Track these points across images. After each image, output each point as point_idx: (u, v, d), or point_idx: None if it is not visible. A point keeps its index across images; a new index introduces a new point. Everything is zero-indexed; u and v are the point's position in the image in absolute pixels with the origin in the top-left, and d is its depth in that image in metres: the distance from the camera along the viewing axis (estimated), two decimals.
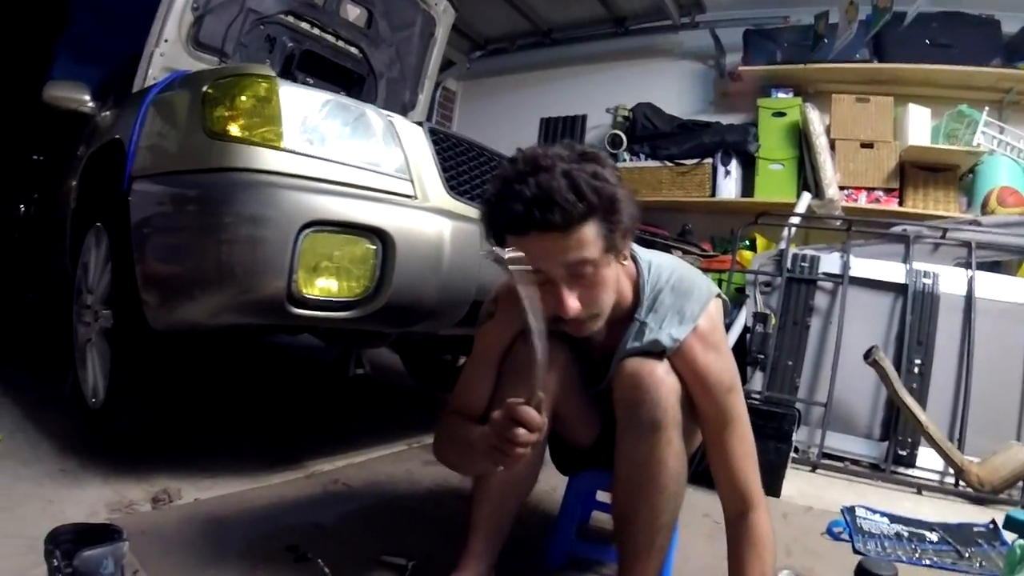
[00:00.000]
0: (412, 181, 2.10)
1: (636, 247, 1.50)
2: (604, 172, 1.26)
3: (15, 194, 4.90)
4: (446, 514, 1.59)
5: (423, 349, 3.88)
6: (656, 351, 1.42)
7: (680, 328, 1.42)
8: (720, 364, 1.44)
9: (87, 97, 3.06)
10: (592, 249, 1.25)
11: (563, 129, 6.43)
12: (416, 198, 2.09)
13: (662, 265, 1.50)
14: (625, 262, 1.41)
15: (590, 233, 1.24)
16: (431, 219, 2.06)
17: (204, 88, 1.93)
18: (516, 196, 1.22)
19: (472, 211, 2.21)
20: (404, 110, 4.03)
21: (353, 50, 3.83)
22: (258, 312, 1.84)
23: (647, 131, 5.62)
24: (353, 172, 1.96)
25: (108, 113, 2.88)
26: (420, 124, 2.27)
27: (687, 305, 1.44)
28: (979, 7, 4.72)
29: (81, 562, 1.22)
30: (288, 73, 3.40)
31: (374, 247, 1.92)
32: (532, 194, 1.20)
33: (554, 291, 1.28)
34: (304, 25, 3.53)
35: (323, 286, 1.86)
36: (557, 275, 1.27)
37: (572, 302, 1.28)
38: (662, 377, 1.38)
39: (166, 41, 2.79)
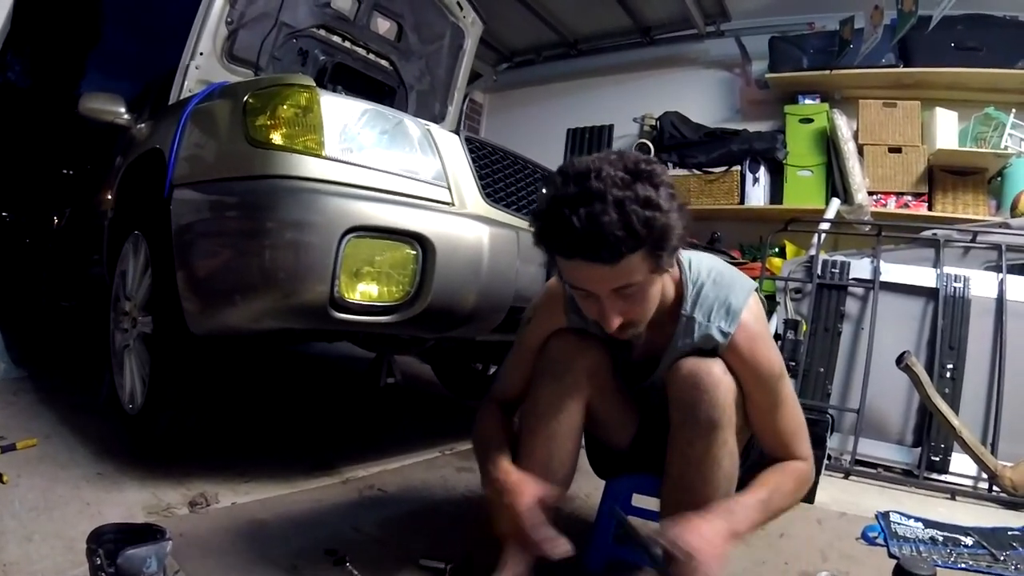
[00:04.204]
0: (449, 188, 2.12)
1: None
2: (657, 197, 1.19)
3: (48, 207, 4.98)
4: (483, 518, 1.60)
5: (455, 358, 3.91)
6: (708, 347, 1.44)
7: (728, 321, 1.43)
8: (768, 354, 1.46)
9: (123, 109, 3.10)
10: (638, 274, 1.25)
11: (590, 139, 6.44)
12: (453, 205, 2.10)
13: (701, 261, 1.51)
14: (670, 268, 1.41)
15: (637, 261, 1.22)
16: (469, 225, 2.07)
17: (245, 98, 1.96)
18: (564, 225, 1.18)
19: (509, 218, 2.24)
20: (434, 121, 4.06)
21: (384, 63, 3.88)
22: (301, 317, 1.86)
23: (674, 140, 5.65)
24: (392, 179, 1.98)
25: (145, 124, 2.92)
26: (456, 132, 2.29)
27: (731, 297, 1.45)
28: (1005, 9, 4.68)
29: (125, 560, 1.23)
30: (321, 85, 3.43)
31: (414, 252, 1.93)
32: (581, 227, 1.16)
33: (598, 305, 1.31)
34: (336, 38, 3.58)
35: (364, 291, 1.88)
36: (602, 294, 1.28)
37: (615, 319, 1.31)
38: (719, 376, 1.39)
39: (201, 54, 2.83)
